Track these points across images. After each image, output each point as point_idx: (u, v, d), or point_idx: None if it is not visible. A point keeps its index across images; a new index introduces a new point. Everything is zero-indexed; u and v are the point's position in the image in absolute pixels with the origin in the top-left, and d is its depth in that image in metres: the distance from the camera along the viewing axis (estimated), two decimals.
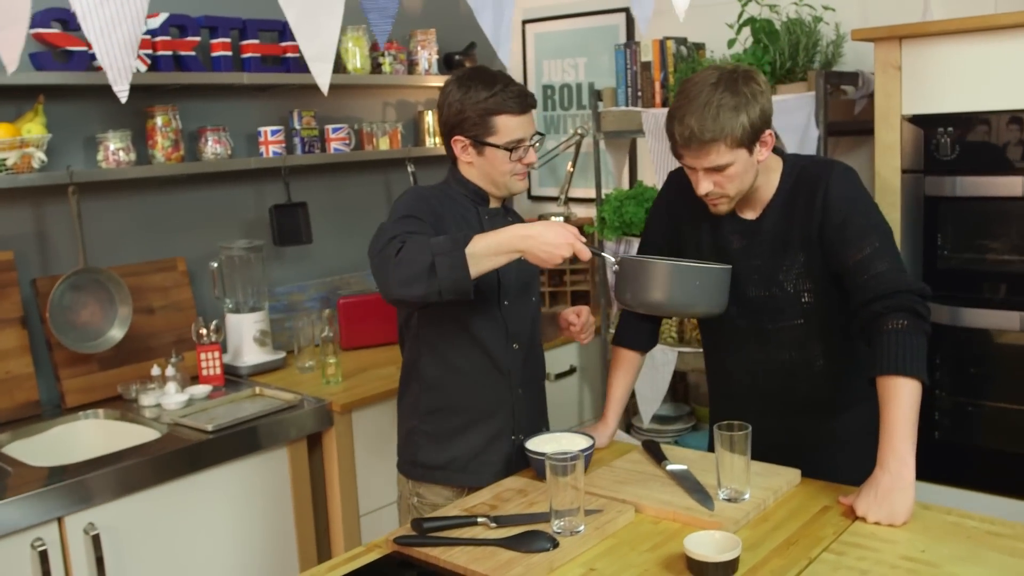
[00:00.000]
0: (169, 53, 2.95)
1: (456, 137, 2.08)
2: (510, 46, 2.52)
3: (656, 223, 2.22)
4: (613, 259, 2.02)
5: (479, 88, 2.04)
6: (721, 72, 1.86)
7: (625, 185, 3.80)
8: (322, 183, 3.55)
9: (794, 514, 1.81)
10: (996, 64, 2.37)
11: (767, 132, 1.89)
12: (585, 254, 1.86)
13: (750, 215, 2.03)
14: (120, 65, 1.53)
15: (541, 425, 2.27)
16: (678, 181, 2.13)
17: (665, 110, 3.10)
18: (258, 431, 2.61)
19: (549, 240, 1.83)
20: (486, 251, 1.83)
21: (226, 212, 3.28)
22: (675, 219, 2.15)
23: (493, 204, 2.17)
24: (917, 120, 2.51)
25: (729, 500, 1.84)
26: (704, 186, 1.91)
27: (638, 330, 2.28)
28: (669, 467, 2.03)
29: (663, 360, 3.27)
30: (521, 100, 2.05)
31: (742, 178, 1.90)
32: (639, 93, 3.24)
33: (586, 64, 4.01)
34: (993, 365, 2.56)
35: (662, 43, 3.17)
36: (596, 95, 3.38)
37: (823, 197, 1.92)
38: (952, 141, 2.46)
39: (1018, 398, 2.50)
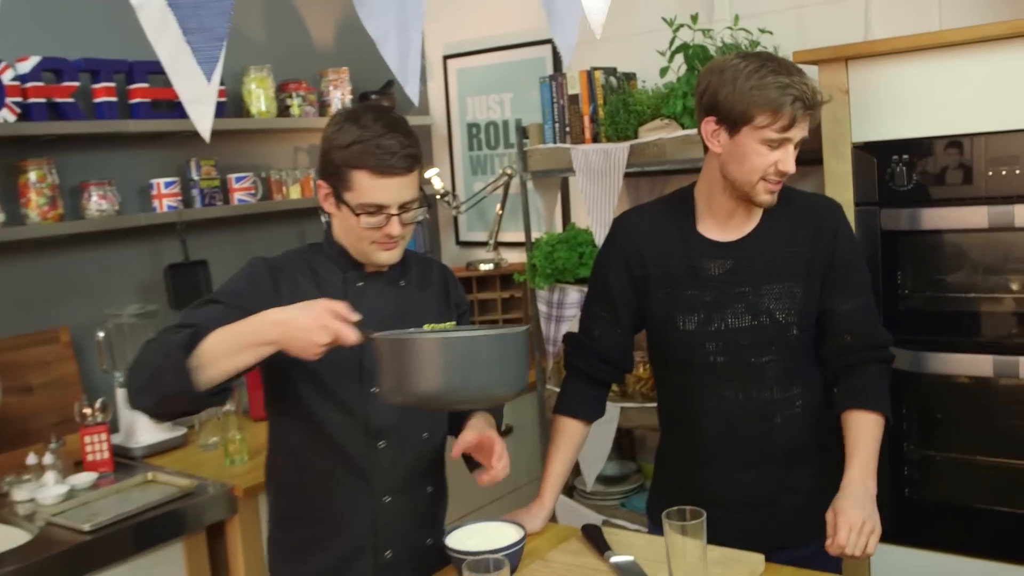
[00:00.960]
0: (43, 100, 2.65)
1: (319, 181, 1.76)
2: (418, 80, 2.27)
3: (613, 275, 1.96)
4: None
5: (351, 129, 1.68)
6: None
7: (558, 227, 3.55)
8: (226, 238, 3.24)
9: None
10: (950, 84, 2.17)
11: None
12: (348, 337, 1.52)
13: (728, 236, 1.88)
14: None
15: (424, 539, 1.87)
16: (630, 223, 1.98)
17: (595, 146, 2.87)
18: (148, 526, 2.27)
19: (302, 325, 1.51)
20: (225, 348, 1.53)
21: (115, 275, 2.95)
22: (637, 267, 1.93)
23: (371, 268, 1.81)
24: (869, 148, 2.30)
25: None
26: (793, 163, 1.76)
27: (583, 396, 2.03)
28: (613, 559, 1.76)
29: (606, 416, 2.99)
30: (384, 159, 1.65)
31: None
32: (567, 128, 3.01)
33: (512, 100, 3.77)
34: (965, 413, 2.34)
35: (590, 74, 2.94)
36: (521, 132, 3.13)
37: (833, 234, 1.87)
38: (908, 169, 2.25)
39: (992, 449, 2.27)
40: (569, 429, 2.03)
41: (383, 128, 1.67)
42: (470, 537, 1.78)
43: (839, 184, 2.31)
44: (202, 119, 2.18)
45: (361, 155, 1.65)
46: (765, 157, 1.75)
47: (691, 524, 1.57)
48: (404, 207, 1.70)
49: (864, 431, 1.81)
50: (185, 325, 1.59)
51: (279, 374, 1.77)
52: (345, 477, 1.78)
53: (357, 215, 1.68)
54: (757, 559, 1.74)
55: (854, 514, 1.69)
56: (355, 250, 1.77)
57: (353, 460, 1.77)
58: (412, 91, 2.32)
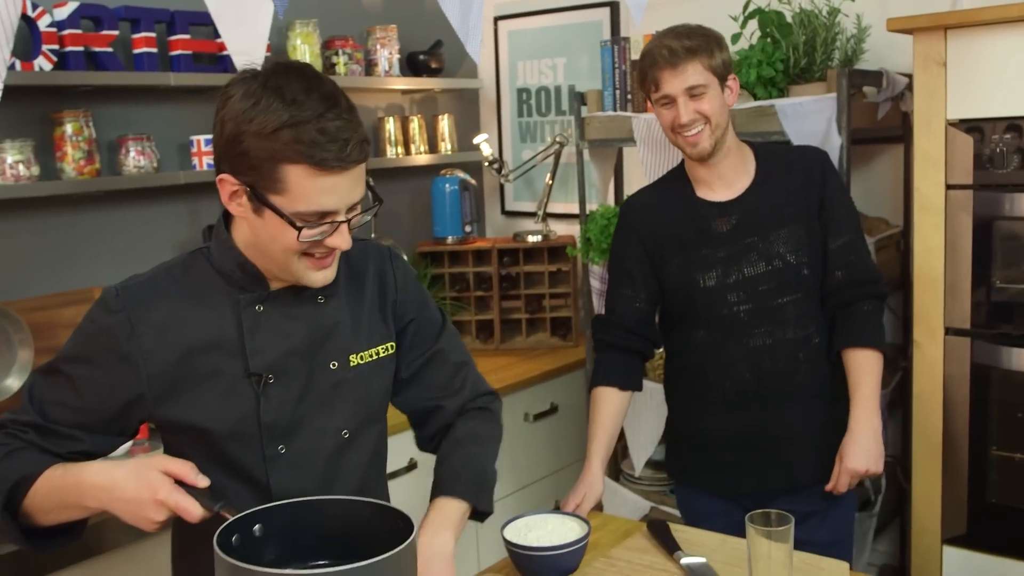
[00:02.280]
0: (80, 49, 2.52)
1: (223, 176, 1.29)
2: (480, 39, 2.13)
3: (628, 251, 2.09)
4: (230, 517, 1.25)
5: (275, 106, 1.21)
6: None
7: (611, 200, 3.39)
8: None
9: None
10: None
11: (733, 78, 1.98)
12: (192, 514, 1.21)
13: (727, 195, 2.01)
14: None
15: None
16: (636, 203, 2.14)
17: None
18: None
19: (129, 496, 1.22)
20: (48, 505, 1.28)
21: (152, 234, 2.83)
22: (649, 240, 2.06)
23: (277, 284, 1.39)
24: (966, 125, 2.12)
25: None
26: (685, 113, 1.90)
27: (616, 365, 2.10)
28: (684, 560, 1.64)
29: (659, 399, 2.85)
30: (337, 147, 1.22)
31: (718, 113, 1.92)
32: (628, 96, 2.84)
33: (565, 65, 3.61)
34: None
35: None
36: (579, 98, 2.97)
37: (821, 175, 1.99)
38: (1009, 150, 2.07)
39: None
40: (605, 398, 2.08)
41: (321, 103, 1.23)
42: (530, 530, 1.66)
43: (931, 164, 2.14)
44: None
45: (296, 145, 1.21)
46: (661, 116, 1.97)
47: (778, 530, 1.44)
48: (352, 208, 1.30)
49: (863, 369, 1.95)
50: (9, 434, 1.34)
51: (164, 432, 1.45)
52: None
53: (296, 227, 1.26)
54: (842, 567, 1.61)
55: (858, 462, 1.91)
56: (275, 267, 1.35)
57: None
58: (473, 49, 2.19)
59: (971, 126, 2.12)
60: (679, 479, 2.21)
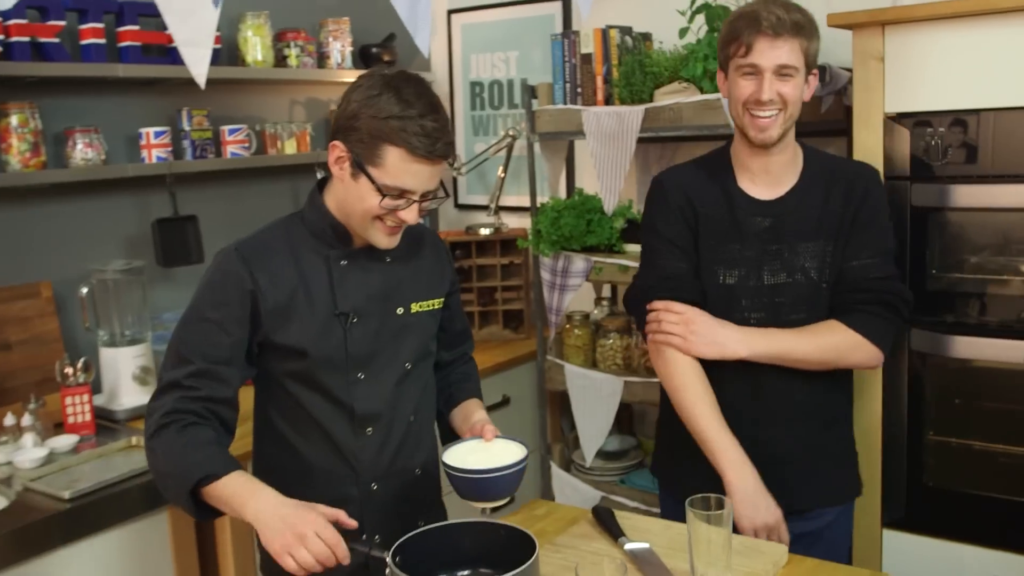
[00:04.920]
0: (26, 39, 2.49)
1: (336, 143, 1.60)
2: (429, 33, 2.15)
3: (671, 227, 1.95)
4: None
5: (391, 100, 1.54)
6: None
7: (562, 193, 3.42)
8: (216, 193, 3.09)
9: None
10: (995, 54, 2.05)
11: (815, 73, 1.84)
12: (341, 550, 1.47)
13: (768, 195, 1.89)
14: None
15: (417, 522, 1.75)
16: (678, 179, 1.98)
17: (609, 108, 2.74)
18: (131, 494, 2.16)
19: (272, 538, 1.47)
20: (219, 502, 1.56)
21: (100, 227, 2.80)
22: (691, 217, 1.94)
23: (358, 243, 1.71)
24: (902, 119, 2.18)
25: None
26: (768, 91, 1.76)
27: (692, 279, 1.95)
28: (628, 546, 1.67)
29: (609, 390, 2.89)
30: (425, 143, 1.54)
31: (796, 101, 1.80)
32: (578, 89, 2.87)
33: (518, 58, 3.63)
34: (990, 401, 2.24)
35: (605, 32, 2.79)
36: (530, 91, 2.99)
37: (864, 194, 1.87)
38: (943, 143, 2.13)
39: (1013, 438, 2.18)
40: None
41: (426, 107, 1.55)
42: (471, 453, 1.63)
43: (868, 156, 2.18)
44: (198, 62, 2.06)
45: (401, 132, 1.52)
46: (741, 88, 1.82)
47: (716, 513, 1.48)
48: (426, 195, 1.61)
49: (832, 330, 1.86)
50: (175, 403, 1.61)
51: (263, 369, 1.74)
52: (332, 464, 1.73)
53: (382, 194, 1.57)
54: (780, 550, 1.65)
55: None
56: (354, 224, 1.66)
57: (340, 448, 1.72)
58: (422, 42, 2.20)
59: (909, 119, 2.17)
60: (665, 484, 2.11)
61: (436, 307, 1.83)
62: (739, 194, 1.90)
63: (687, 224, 1.93)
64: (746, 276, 1.87)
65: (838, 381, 1.94)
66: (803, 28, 1.75)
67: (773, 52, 1.75)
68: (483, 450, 1.64)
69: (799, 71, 1.77)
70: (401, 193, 1.57)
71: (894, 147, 2.19)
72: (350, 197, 1.61)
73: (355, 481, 1.73)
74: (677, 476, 2.02)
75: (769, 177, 1.88)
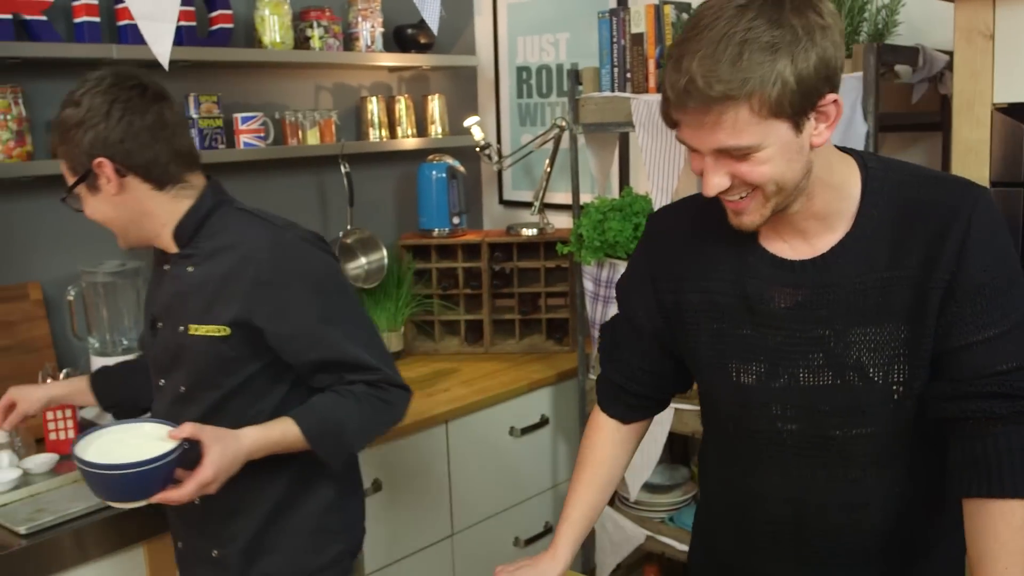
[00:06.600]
0: (8, 16, 2.26)
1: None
2: (439, 5, 1.84)
3: (637, 296, 1.49)
4: None
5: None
6: None
7: (613, 192, 3.08)
8: (228, 187, 2.82)
9: None
10: None
11: (830, 97, 1.16)
12: None
13: (805, 251, 1.29)
14: None
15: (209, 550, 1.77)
16: (664, 227, 1.47)
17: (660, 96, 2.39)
18: (100, 528, 1.92)
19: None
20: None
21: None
22: (668, 291, 1.42)
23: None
24: (1015, 111, 1.80)
25: None
26: (714, 182, 1.19)
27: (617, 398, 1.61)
28: None
29: (658, 417, 2.55)
30: None
31: (781, 171, 1.17)
32: (628, 75, 2.53)
33: (569, 41, 3.29)
34: None
35: (658, 9, 2.45)
36: (574, 77, 2.66)
37: (961, 242, 1.21)
38: None
39: None
40: (604, 431, 1.63)
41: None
42: (118, 443, 1.51)
43: (972, 157, 1.82)
44: (159, 39, 1.79)
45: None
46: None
47: None
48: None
49: (1000, 535, 1.19)
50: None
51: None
52: None
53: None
54: None
55: None
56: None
57: None
58: (431, 17, 1.91)
59: (1022, 112, 1.79)
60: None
61: (217, 334, 1.65)
62: (757, 253, 1.32)
63: (656, 299, 1.44)
64: (771, 373, 1.32)
65: (920, 514, 1.38)
66: (741, 87, 1.10)
67: (701, 133, 1.16)
68: (139, 437, 1.51)
69: (761, 145, 1.14)
70: None
71: (1003, 146, 1.81)
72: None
73: None
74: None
75: (809, 228, 1.29)
